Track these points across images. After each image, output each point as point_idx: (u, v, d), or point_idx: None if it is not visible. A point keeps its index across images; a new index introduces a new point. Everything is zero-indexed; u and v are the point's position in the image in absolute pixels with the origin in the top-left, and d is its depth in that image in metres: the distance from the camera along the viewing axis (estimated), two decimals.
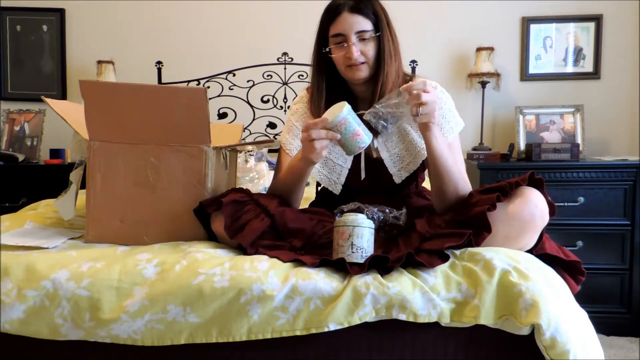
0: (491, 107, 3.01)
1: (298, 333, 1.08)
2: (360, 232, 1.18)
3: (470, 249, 1.19)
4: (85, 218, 1.38)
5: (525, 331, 1.04)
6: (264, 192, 1.63)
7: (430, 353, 1.10)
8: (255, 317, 1.08)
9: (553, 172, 2.55)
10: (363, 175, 1.46)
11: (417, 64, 2.79)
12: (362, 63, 1.42)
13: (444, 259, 1.14)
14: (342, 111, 1.25)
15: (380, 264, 1.15)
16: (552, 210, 1.25)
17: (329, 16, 1.44)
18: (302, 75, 2.88)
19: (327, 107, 1.50)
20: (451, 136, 1.45)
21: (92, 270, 1.15)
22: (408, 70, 2.70)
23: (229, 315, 1.09)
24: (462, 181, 1.35)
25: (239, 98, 2.91)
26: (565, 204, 2.53)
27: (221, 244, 1.34)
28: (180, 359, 1.12)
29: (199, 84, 2.93)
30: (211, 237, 1.38)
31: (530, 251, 1.26)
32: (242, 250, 1.27)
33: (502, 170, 2.59)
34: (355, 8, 1.40)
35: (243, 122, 2.84)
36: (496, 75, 2.86)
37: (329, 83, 1.50)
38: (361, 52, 1.41)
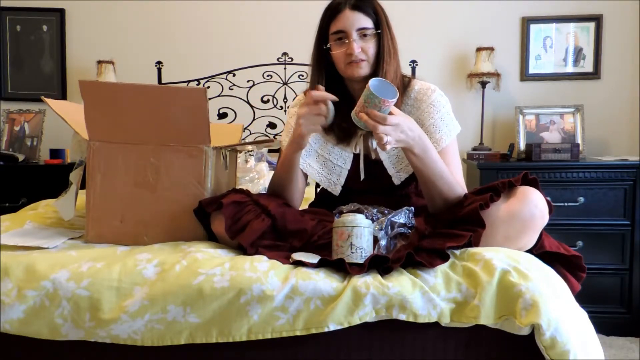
0: (491, 107, 3.01)
1: (298, 333, 1.08)
2: (359, 232, 1.18)
3: (470, 249, 1.19)
4: (85, 218, 1.38)
5: (525, 331, 1.04)
6: (264, 192, 1.63)
7: (430, 353, 1.10)
8: (255, 317, 1.08)
9: (553, 172, 2.55)
10: (362, 176, 1.46)
11: (417, 64, 2.79)
12: (362, 60, 1.42)
13: (444, 258, 1.14)
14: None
15: (380, 264, 1.15)
16: (550, 209, 1.25)
17: (330, 14, 1.44)
18: (302, 75, 2.88)
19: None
20: (448, 140, 1.45)
21: (92, 270, 1.15)
22: (407, 71, 2.73)
23: (229, 315, 1.09)
24: (451, 188, 1.33)
25: (239, 98, 2.91)
26: (565, 204, 2.53)
27: (221, 243, 1.34)
28: (180, 359, 1.12)
29: (199, 84, 2.93)
30: (211, 237, 1.38)
31: (530, 251, 1.27)
32: (242, 250, 1.27)
33: (502, 171, 2.59)
34: (356, 6, 1.41)
35: (243, 122, 2.83)
36: (496, 75, 2.86)
37: (328, 81, 1.50)
38: (362, 49, 1.41)
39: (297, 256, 1.21)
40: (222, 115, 2.89)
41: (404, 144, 1.25)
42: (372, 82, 1.22)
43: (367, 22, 1.41)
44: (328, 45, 1.45)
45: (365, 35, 1.42)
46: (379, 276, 1.12)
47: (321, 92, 1.30)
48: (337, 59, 1.45)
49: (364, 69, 1.43)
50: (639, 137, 2.94)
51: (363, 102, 1.22)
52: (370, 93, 1.20)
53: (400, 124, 1.22)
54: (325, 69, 1.49)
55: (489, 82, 2.88)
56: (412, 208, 1.33)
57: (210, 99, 2.65)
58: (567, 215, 2.53)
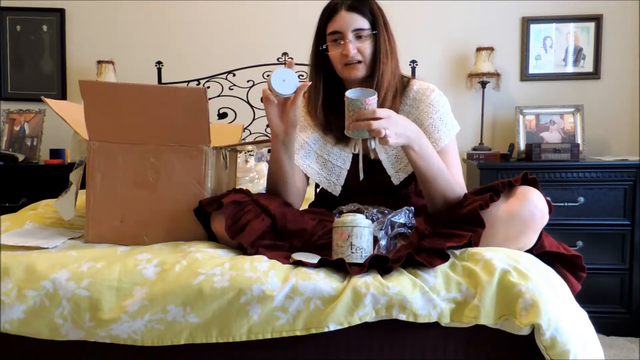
0: (491, 107, 3.01)
1: (298, 333, 1.08)
2: (359, 232, 1.18)
3: (470, 249, 1.19)
4: (85, 218, 1.38)
5: (525, 331, 1.04)
6: (264, 192, 1.63)
7: (430, 353, 1.10)
8: (255, 317, 1.08)
9: (553, 172, 2.55)
10: (362, 176, 1.46)
11: (417, 64, 2.79)
12: (359, 62, 1.43)
13: (444, 258, 1.14)
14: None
15: (380, 264, 1.15)
16: (550, 209, 1.25)
17: (327, 14, 1.45)
18: (302, 75, 2.86)
19: (325, 105, 1.50)
20: (447, 139, 1.45)
21: (92, 270, 1.15)
22: (407, 71, 2.73)
23: (229, 315, 1.09)
24: (450, 186, 1.33)
25: (239, 98, 2.90)
26: (565, 204, 2.53)
27: (221, 243, 1.34)
28: (180, 359, 1.12)
29: (199, 84, 2.93)
30: (211, 237, 1.38)
31: (530, 251, 1.27)
32: (242, 250, 1.27)
33: (502, 170, 2.59)
34: (353, 7, 1.41)
35: (243, 122, 2.83)
36: (496, 75, 2.85)
37: (326, 82, 1.50)
38: (358, 50, 1.41)
39: (297, 256, 1.21)
40: (222, 115, 2.89)
41: (404, 138, 1.25)
42: (348, 92, 1.25)
43: (363, 23, 1.41)
44: (324, 46, 1.45)
45: (360, 37, 1.42)
46: (379, 276, 1.12)
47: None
48: (333, 60, 1.46)
49: (361, 70, 1.44)
50: (639, 137, 2.94)
51: (348, 114, 1.24)
52: (350, 100, 1.23)
53: (391, 115, 1.23)
54: (324, 69, 1.50)
55: (489, 82, 2.88)
56: (412, 208, 1.33)
57: (210, 99, 2.65)
58: (567, 215, 2.53)
